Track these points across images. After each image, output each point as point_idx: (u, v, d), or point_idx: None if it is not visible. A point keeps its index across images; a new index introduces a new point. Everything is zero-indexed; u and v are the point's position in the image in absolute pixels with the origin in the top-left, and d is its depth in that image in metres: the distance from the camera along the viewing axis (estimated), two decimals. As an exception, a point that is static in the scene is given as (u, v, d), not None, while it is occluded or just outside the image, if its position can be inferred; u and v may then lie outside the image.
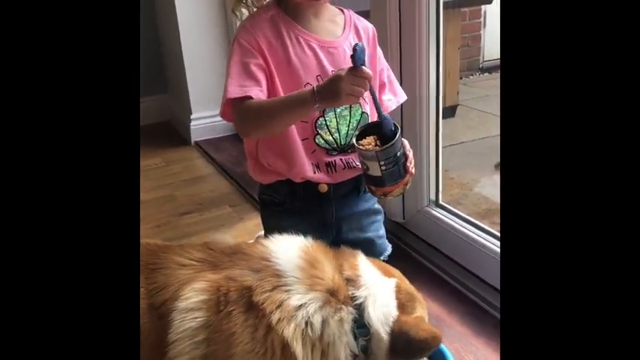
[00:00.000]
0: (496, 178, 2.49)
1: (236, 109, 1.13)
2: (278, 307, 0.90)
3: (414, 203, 1.88)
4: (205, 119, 3.08)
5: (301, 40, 1.17)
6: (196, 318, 0.91)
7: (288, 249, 0.99)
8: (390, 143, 1.09)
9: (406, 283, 1.03)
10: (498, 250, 1.54)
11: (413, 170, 1.17)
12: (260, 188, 1.33)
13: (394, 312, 0.94)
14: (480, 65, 4.26)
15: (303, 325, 0.90)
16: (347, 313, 0.92)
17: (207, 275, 0.96)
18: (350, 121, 1.24)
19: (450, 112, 3.12)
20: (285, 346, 0.88)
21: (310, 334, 0.90)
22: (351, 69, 1.04)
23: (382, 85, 1.29)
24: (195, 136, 3.10)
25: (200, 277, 0.96)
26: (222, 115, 1.20)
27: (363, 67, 1.04)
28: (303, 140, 1.21)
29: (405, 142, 1.17)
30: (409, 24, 1.67)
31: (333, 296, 0.92)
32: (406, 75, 1.72)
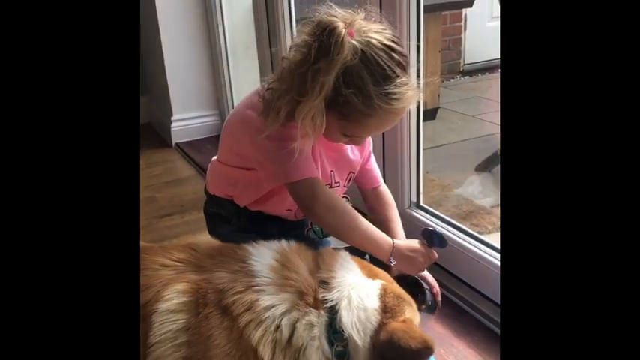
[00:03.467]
0: (476, 180, 2.51)
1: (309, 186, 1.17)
2: (248, 308, 0.88)
3: (399, 207, 1.88)
4: (186, 121, 3.06)
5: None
6: (177, 320, 0.90)
7: (266, 251, 0.98)
8: (422, 300, 1.16)
9: (394, 285, 0.99)
10: (478, 251, 1.55)
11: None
12: (207, 202, 1.40)
13: (375, 317, 0.90)
14: (461, 68, 4.29)
15: (272, 329, 0.87)
16: (317, 316, 0.89)
17: (189, 276, 0.96)
18: None
19: (430, 114, 3.13)
20: (255, 350, 0.86)
21: (279, 338, 0.87)
22: (427, 249, 1.18)
23: (371, 160, 1.40)
24: (176, 138, 3.07)
25: (182, 278, 0.95)
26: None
27: (446, 246, 1.19)
28: (288, 211, 1.31)
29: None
30: (390, 27, 1.68)
31: (301, 298, 0.90)
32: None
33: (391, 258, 1.16)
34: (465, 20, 4.13)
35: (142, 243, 1.08)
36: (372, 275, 0.97)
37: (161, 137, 3.20)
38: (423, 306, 1.16)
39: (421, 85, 1.23)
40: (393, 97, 1.07)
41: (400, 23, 1.65)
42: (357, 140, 1.21)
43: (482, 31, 4.04)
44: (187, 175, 2.73)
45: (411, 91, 1.09)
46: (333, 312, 0.89)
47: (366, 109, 1.08)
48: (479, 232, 1.76)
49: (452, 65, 4.22)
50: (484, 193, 2.38)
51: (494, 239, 1.61)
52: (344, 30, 1.04)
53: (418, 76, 1.72)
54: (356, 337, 0.88)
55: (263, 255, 0.97)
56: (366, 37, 1.06)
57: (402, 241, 1.22)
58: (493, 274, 1.47)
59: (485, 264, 1.51)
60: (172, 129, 3.06)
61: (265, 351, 0.86)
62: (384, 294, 0.93)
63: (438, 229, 1.19)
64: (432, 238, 1.17)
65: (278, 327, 0.87)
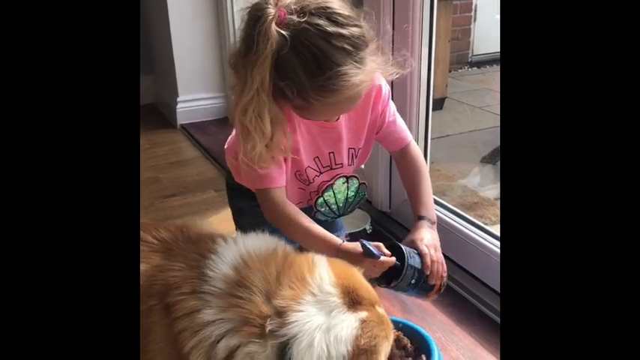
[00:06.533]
0: (482, 171, 2.50)
1: (264, 196, 1.18)
2: (187, 314, 0.81)
3: (400, 193, 1.88)
4: (192, 102, 3.05)
5: (302, 125, 1.20)
6: None
7: (231, 254, 0.87)
8: (395, 283, 1.11)
9: (376, 315, 0.84)
10: (483, 241, 1.55)
11: (445, 275, 1.17)
12: (229, 174, 1.38)
13: None
14: (469, 59, 4.27)
15: (207, 344, 0.79)
16: (261, 348, 0.78)
17: (153, 259, 0.91)
18: (348, 195, 1.31)
19: (438, 104, 3.12)
20: (187, 358, 0.80)
21: (214, 356, 0.79)
22: (367, 258, 1.08)
23: (393, 122, 1.31)
24: (182, 120, 3.06)
25: (146, 259, 0.90)
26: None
27: (382, 258, 1.07)
28: (298, 204, 1.26)
29: (426, 250, 1.15)
30: (403, 16, 1.66)
31: (246, 325, 0.79)
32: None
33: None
34: (475, 11, 4.10)
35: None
36: (354, 303, 0.83)
37: (166, 118, 3.19)
38: (394, 283, 1.11)
39: (390, 61, 1.12)
40: (330, 89, 1.00)
41: (413, 12, 1.63)
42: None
43: (492, 23, 4.01)
44: (192, 157, 2.72)
45: (359, 76, 1.00)
46: (282, 348, 0.77)
47: (302, 102, 1.04)
48: (483, 224, 1.75)
49: (460, 56, 4.20)
50: (489, 185, 2.38)
51: (498, 230, 1.61)
52: (271, 17, 0.96)
53: (429, 65, 1.72)
54: None
55: (225, 258, 0.86)
56: (300, 21, 0.97)
57: (349, 246, 1.11)
58: (496, 264, 1.47)
59: (489, 254, 1.51)
60: (178, 110, 3.05)
61: None
62: (360, 335, 0.80)
63: (367, 242, 1.08)
64: (363, 251, 1.09)
65: (214, 346, 0.79)
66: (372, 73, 1.06)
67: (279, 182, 1.18)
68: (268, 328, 0.78)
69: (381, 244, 1.10)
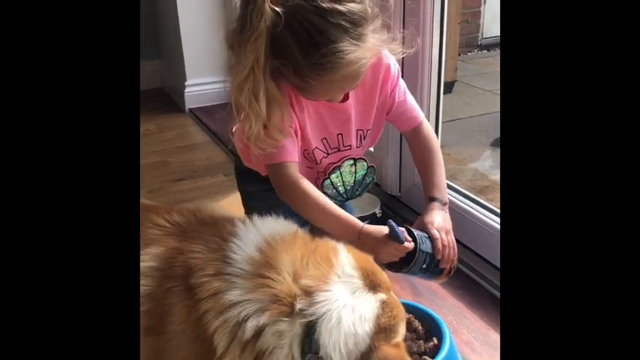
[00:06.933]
0: (492, 154, 2.48)
1: (278, 171, 1.15)
2: (212, 295, 0.82)
3: (410, 177, 1.87)
4: (200, 86, 3.03)
5: (310, 105, 1.18)
6: (143, 285, 0.86)
7: (253, 237, 0.88)
8: (407, 268, 1.09)
9: (392, 298, 0.87)
10: (493, 224, 1.54)
11: (455, 259, 1.16)
12: (238, 159, 1.36)
13: (364, 342, 0.80)
14: (479, 42, 4.22)
15: (232, 324, 0.80)
16: (289, 327, 0.79)
17: (169, 241, 0.91)
18: (356, 178, 1.29)
19: (447, 87, 3.09)
20: (211, 338, 0.81)
21: (240, 335, 0.80)
22: (391, 242, 1.06)
23: (403, 102, 1.29)
24: (190, 104, 3.05)
25: (162, 242, 0.91)
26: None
27: (403, 244, 1.06)
28: None
29: (437, 234, 1.13)
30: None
31: (276, 304, 0.80)
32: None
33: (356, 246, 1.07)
34: (485, -7, 4.05)
35: (147, 202, 1.05)
36: (373, 286, 0.85)
37: (174, 102, 3.18)
38: (406, 268, 1.10)
39: (398, 38, 1.10)
40: (325, 66, 0.98)
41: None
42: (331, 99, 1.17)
43: (502, 5, 3.96)
44: (200, 141, 2.72)
45: (355, 53, 0.98)
46: (310, 327, 0.79)
47: (300, 81, 1.03)
48: (493, 207, 1.74)
49: (470, 39, 4.16)
50: (499, 169, 2.36)
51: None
52: None
53: (440, 48, 1.69)
54: (336, 359, 0.79)
55: (247, 241, 0.87)
56: None
57: (371, 229, 1.09)
58: (508, 247, 1.46)
59: (499, 237, 1.50)
60: (186, 94, 3.04)
61: (221, 341, 0.80)
62: (380, 315, 0.83)
63: (396, 225, 1.06)
64: (390, 233, 1.07)
65: (241, 325, 0.80)
66: (373, 50, 1.04)
67: (294, 156, 1.14)
68: (298, 306, 0.80)
69: (403, 230, 1.08)
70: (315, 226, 1.15)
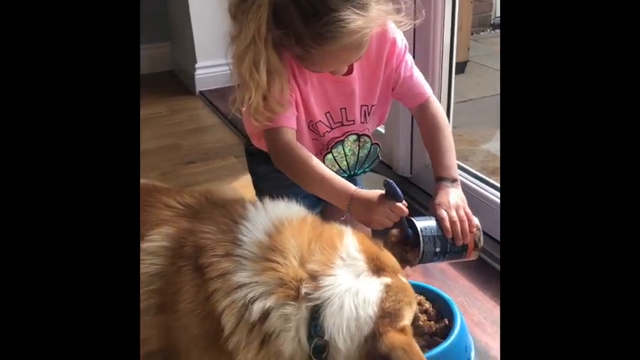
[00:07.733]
0: (504, 136, 2.46)
1: (274, 136, 1.14)
2: (220, 276, 0.83)
3: (422, 158, 1.86)
4: (210, 69, 3.02)
5: (314, 77, 1.17)
6: (154, 264, 0.87)
7: (262, 220, 0.89)
8: (419, 258, 1.07)
9: (399, 281, 0.86)
10: (506, 206, 1.53)
11: (475, 231, 1.11)
12: (248, 140, 1.36)
13: (368, 326, 0.79)
14: (492, 22, 4.16)
15: (240, 305, 0.81)
16: (295, 310, 0.80)
17: (181, 222, 0.92)
18: (359, 154, 1.28)
19: (459, 68, 3.06)
20: (219, 318, 0.82)
21: (247, 316, 0.81)
22: (387, 201, 1.04)
23: (409, 77, 1.27)
24: (200, 86, 3.05)
25: (173, 222, 0.92)
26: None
27: (399, 203, 1.04)
28: None
29: (443, 214, 1.10)
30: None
31: (282, 288, 0.81)
32: (420, 29, 1.67)
33: (348, 210, 1.08)
34: (498, -29, 3.98)
35: (159, 184, 1.07)
36: (378, 269, 0.85)
37: (185, 85, 3.18)
38: (418, 259, 1.08)
39: (403, 10, 1.09)
40: (326, 35, 0.98)
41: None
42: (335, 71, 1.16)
43: (516, -17, 3.89)
44: (211, 124, 2.72)
45: (357, 22, 0.98)
46: (315, 311, 0.80)
47: (302, 51, 1.03)
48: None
49: (482, 18, 4.09)
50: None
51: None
52: None
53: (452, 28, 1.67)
54: (340, 343, 0.79)
55: (257, 224, 0.88)
56: None
57: (364, 191, 1.08)
58: (520, 229, 1.45)
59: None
60: (196, 76, 3.03)
61: (229, 321, 0.81)
62: (385, 298, 0.82)
63: (393, 182, 1.04)
64: (387, 190, 1.05)
65: (247, 307, 0.81)
66: (376, 20, 1.03)
67: (291, 123, 1.14)
68: (304, 290, 0.80)
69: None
70: (311, 192, 1.15)
